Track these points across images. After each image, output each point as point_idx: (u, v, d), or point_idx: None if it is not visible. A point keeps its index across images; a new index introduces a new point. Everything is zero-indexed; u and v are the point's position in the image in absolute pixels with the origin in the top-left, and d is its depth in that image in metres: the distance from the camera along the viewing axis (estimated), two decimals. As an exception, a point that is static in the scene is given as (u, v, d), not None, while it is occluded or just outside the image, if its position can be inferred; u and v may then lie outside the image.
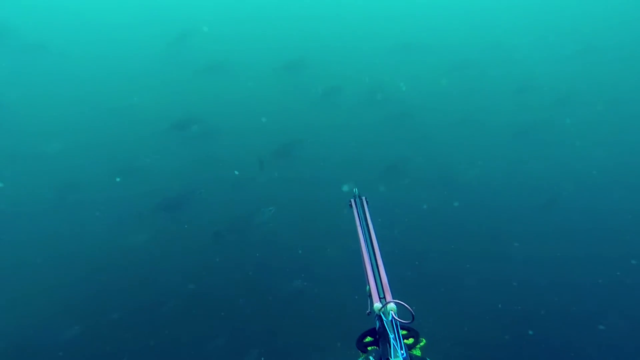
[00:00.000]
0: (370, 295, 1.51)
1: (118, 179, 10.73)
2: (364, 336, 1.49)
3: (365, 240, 1.66)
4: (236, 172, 10.52)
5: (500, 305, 7.80)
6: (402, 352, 1.30)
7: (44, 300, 8.13)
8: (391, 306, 1.42)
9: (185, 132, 11.39)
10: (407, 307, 1.39)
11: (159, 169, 11.18)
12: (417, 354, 1.42)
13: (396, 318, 1.39)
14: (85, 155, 11.70)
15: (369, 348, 1.45)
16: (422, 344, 1.48)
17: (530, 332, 7.41)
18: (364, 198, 1.87)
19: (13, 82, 12.65)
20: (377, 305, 1.44)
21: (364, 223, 1.74)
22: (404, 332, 1.50)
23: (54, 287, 8.41)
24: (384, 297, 1.46)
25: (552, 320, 7.61)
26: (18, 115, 12.65)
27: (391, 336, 1.34)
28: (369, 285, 1.53)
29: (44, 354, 7.17)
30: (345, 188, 1.73)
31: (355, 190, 1.91)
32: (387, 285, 1.50)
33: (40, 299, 8.15)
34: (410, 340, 1.47)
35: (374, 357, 1.34)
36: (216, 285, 8.34)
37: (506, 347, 7.17)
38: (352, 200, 1.86)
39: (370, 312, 1.49)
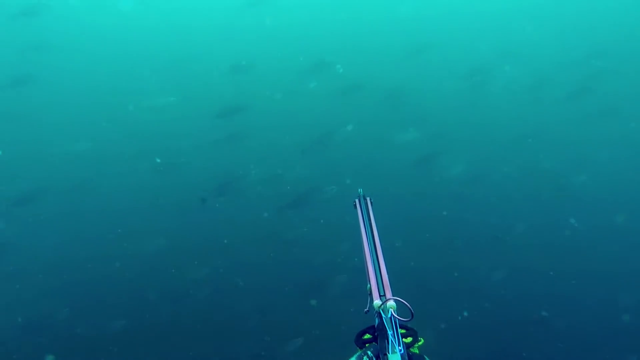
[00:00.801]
0: (370, 294, 1.53)
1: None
2: (363, 333, 1.51)
3: (368, 240, 1.69)
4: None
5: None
6: (399, 347, 1.31)
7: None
8: (391, 304, 1.43)
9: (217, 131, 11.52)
10: (406, 305, 1.40)
11: (193, 167, 11.50)
12: (415, 352, 1.43)
13: (395, 315, 1.40)
14: (113, 153, 12.15)
15: (367, 345, 1.46)
16: (420, 343, 1.48)
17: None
18: (368, 199, 1.89)
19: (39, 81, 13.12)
20: (377, 302, 1.46)
21: (368, 223, 1.76)
22: (403, 331, 1.51)
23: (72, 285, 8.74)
24: (384, 295, 1.47)
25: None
26: (44, 114, 13.10)
27: (389, 332, 1.35)
28: (369, 284, 1.55)
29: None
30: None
31: (360, 190, 1.94)
32: (388, 283, 1.51)
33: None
34: (409, 339, 1.47)
35: (372, 352, 1.35)
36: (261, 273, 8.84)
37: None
38: (357, 201, 1.88)
39: (368, 310, 1.50)
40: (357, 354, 1.35)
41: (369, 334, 1.49)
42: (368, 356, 1.33)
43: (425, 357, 1.37)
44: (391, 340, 1.33)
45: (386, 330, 1.36)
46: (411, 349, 1.43)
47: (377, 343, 1.39)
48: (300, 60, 13.02)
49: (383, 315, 1.42)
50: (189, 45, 15.21)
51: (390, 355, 1.29)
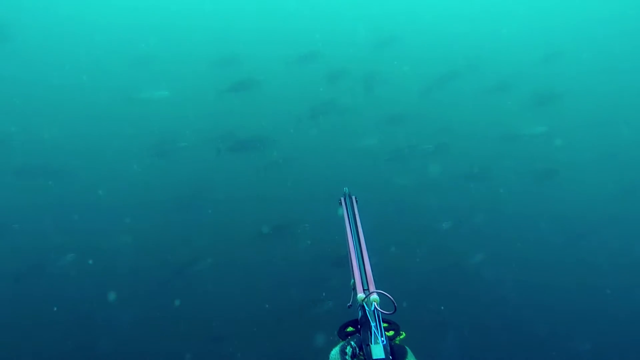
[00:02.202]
0: (354, 288, 1.57)
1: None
2: (346, 326, 1.55)
3: (353, 236, 1.73)
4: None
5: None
6: (382, 339, 1.37)
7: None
8: (374, 297, 1.48)
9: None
10: (390, 298, 1.46)
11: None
12: (397, 343, 1.48)
13: (378, 308, 1.45)
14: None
15: (350, 337, 1.50)
16: (402, 337, 1.53)
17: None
18: (354, 197, 1.94)
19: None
20: (361, 295, 1.50)
21: (353, 220, 1.81)
22: (385, 325, 1.57)
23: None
24: (368, 289, 1.52)
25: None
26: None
27: (372, 324, 1.40)
28: (353, 279, 1.59)
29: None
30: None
31: (346, 189, 1.98)
32: (372, 278, 1.56)
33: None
34: (391, 333, 1.53)
35: (355, 342, 1.39)
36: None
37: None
38: (342, 199, 1.93)
39: (351, 304, 1.55)
40: (341, 344, 1.39)
41: (351, 326, 1.54)
42: (351, 346, 1.37)
43: (407, 347, 1.42)
44: (374, 332, 1.38)
45: (369, 322, 1.41)
46: (393, 342, 1.48)
47: (360, 335, 1.44)
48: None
49: (367, 308, 1.46)
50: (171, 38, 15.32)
51: (372, 346, 1.34)
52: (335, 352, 1.35)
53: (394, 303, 1.42)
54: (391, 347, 1.39)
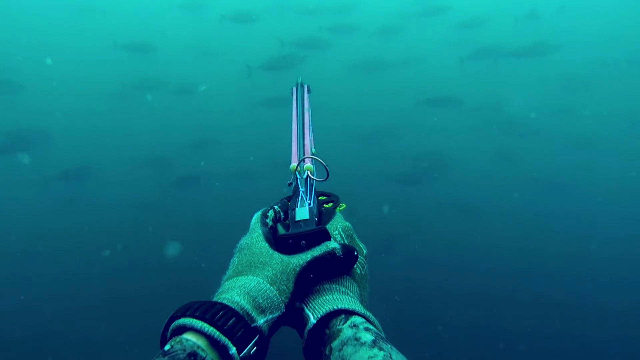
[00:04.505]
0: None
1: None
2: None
3: (298, 117, 1.62)
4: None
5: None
6: (309, 201, 1.26)
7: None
8: (307, 165, 1.37)
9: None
10: (322, 163, 1.34)
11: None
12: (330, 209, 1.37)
13: (311, 176, 1.35)
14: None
15: None
16: (342, 208, 1.42)
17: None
18: (306, 86, 1.82)
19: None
20: (293, 165, 1.40)
21: (301, 104, 1.69)
22: (324, 197, 1.46)
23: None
24: (304, 160, 1.41)
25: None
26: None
27: (301, 190, 1.30)
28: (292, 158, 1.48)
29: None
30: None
31: (299, 78, 1.86)
32: (309, 151, 1.45)
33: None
34: (330, 205, 1.42)
35: (279, 206, 1.30)
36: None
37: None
38: (294, 88, 1.81)
39: (291, 181, 1.44)
40: (264, 208, 1.29)
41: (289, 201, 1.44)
42: (274, 210, 1.28)
43: (338, 211, 1.31)
44: (301, 196, 1.28)
45: (299, 188, 1.32)
46: (326, 208, 1.38)
47: (289, 202, 1.35)
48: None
49: (298, 177, 1.37)
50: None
51: (297, 209, 1.24)
52: (256, 216, 1.25)
53: (326, 169, 1.30)
54: (320, 211, 1.28)
